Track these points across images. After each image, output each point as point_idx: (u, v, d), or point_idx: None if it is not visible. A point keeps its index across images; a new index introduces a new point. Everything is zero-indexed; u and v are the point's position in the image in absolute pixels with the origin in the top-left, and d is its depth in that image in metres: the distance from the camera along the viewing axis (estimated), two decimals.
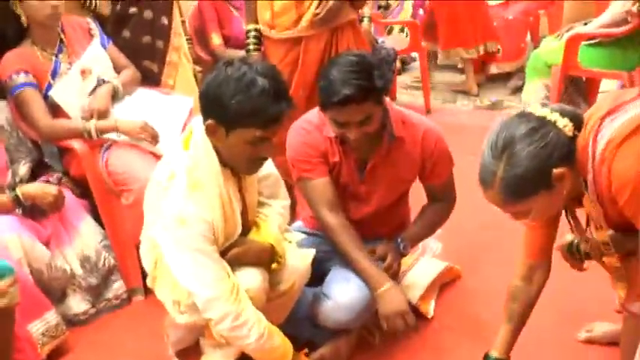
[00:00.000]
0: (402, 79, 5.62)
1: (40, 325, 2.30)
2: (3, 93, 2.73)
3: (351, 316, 2.20)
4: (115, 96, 2.85)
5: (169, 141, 2.72)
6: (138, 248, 2.21)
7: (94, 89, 2.81)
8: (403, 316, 2.12)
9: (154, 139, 2.76)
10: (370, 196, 2.31)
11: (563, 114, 1.57)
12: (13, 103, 2.70)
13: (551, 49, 4.02)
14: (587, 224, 1.76)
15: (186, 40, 3.39)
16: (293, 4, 2.84)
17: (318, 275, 2.28)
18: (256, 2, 2.95)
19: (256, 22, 2.97)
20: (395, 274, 2.27)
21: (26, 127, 2.71)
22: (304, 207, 2.46)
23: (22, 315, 2.17)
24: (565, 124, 1.56)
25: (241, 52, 3.29)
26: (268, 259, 2.07)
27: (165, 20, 3.16)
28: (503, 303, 1.94)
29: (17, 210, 2.44)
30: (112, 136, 2.74)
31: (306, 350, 2.18)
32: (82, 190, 2.75)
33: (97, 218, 2.71)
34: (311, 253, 2.22)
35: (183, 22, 3.42)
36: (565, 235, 1.96)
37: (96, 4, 3.08)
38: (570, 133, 1.56)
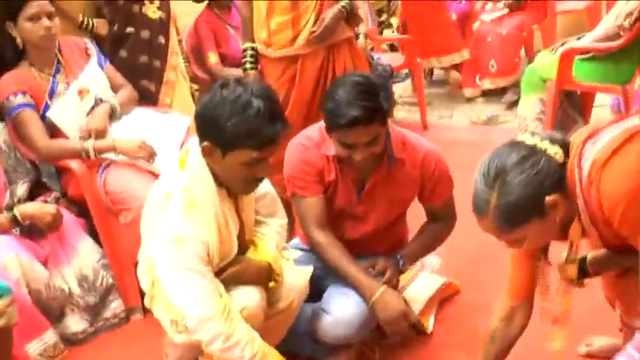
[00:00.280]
0: (396, 95, 5.64)
1: (39, 346, 2.30)
2: (0, 114, 2.74)
3: (350, 332, 2.19)
4: (112, 115, 2.86)
5: (167, 160, 2.72)
6: (136, 267, 2.21)
7: (92, 109, 2.82)
8: (404, 317, 2.11)
9: (152, 157, 2.76)
10: (367, 215, 2.31)
11: (552, 141, 1.59)
12: (11, 124, 2.71)
13: (545, 63, 4.04)
14: (569, 253, 1.75)
15: (183, 58, 3.40)
16: (289, 22, 2.87)
17: (316, 291, 2.28)
18: (253, 21, 2.98)
19: (253, 40, 2.99)
20: (393, 289, 2.27)
21: (24, 147, 2.72)
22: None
23: (20, 335, 2.17)
24: (555, 152, 1.58)
25: (238, 71, 3.31)
26: (266, 277, 2.07)
27: (162, 39, 3.19)
28: None
29: (14, 230, 2.44)
30: (110, 155, 2.75)
31: None
32: (80, 209, 2.75)
33: (95, 237, 2.71)
34: (309, 270, 2.23)
35: (180, 40, 3.44)
36: (562, 253, 1.96)
37: (93, 24, 3.10)
38: (561, 160, 1.58)
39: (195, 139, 1.94)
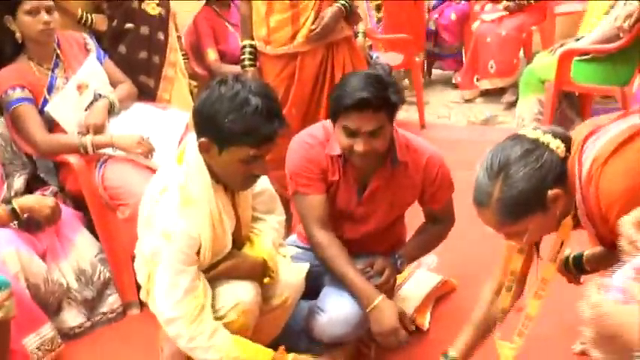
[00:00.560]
0: None
1: (36, 339, 2.30)
2: None
3: (345, 330, 2.19)
4: (111, 111, 2.86)
5: (165, 155, 2.73)
6: (134, 262, 2.22)
7: (91, 104, 2.82)
8: (395, 333, 2.11)
9: (150, 153, 2.76)
10: (367, 217, 2.30)
11: (555, 135, 1.60)
12: (10, 118, 2.71)
13: (544, 64, 4.05)
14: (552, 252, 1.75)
15: (182, 55, 3.41)
16: (289, 20, 2.88)
17: (313, 289, 2.28)
18: (251, 18, 2.98)
19: (252, 37, 3.00)
20: (390, 290, 2.28)
21: (22, 142, 2.72)
22: (300, 222, 2.46)
23: (17, 329, 2.16)
24: (557, 146, 1.58)
25: (237, 68, 3.31)
26: (260, 273, 2.08)
27: (161, 36, 3.18)
28: None
29: (13, 223, 2.44)
30: (108, 150, 2.75)
31: (283, 347, 2.09)
32: (78, 204, 2.75)
33: (93, 231, 2.71)
34: (305, 267, 2.23)
35: (179, 37, 3.44)
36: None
37: (92, 19, 3.10)
38: (562, 155, 1.58)
39: (193, 135, 1.95)
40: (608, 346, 1.24)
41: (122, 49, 3.11)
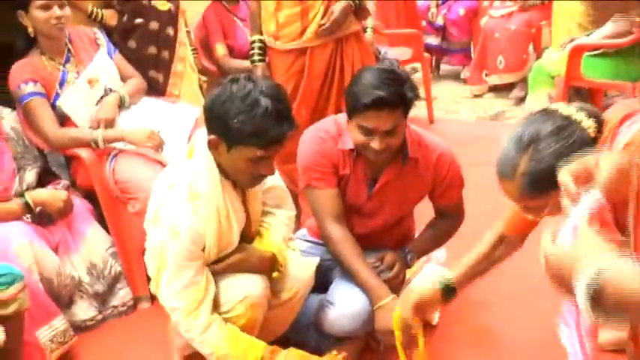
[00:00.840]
0: None
1: (49, 332, 2.31)
2: (10, 102, 2.76)
3: (355, 324, 2.20)
4: (121, 105, 2.88)
5: (175, 150, 2.74)
6: (144, 255, 2.23)
7: (101, 98, 2.84)
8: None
9: (160, 147, 2.78)
10: (376, 212, 2.30)
11: (588, 114, 1.58)
12: (22, 112, 2.73)
13: (554, 60, 4.04)
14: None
15: (192, 50, 3.42)
16: (298, 15, 2.88)
17: (323, 283, 2.29)
18: (260, 13, 2.99)
19: (260, 33, 3.00)
20: (400, 284, 2.28)
21: (34, 135, 2.74)
22: (309, 216, 2.46)
23: (30, 321, 2.18)
24: (589, 125, 1.55)
25: (245, 63, 3.32)
26: (269, 267, 2.09)
27: (170, 31, 3.19)
28: (507, 311, 1.94)
29: (26, 217, 2.46)
30: (119, 144, 2.76)
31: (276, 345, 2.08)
32: (89, 198, 2.77)
33: (104, 225, 2.73)
34: (315, 261, 2.23)
35: (188, 32, 3.45)
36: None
37: (102, 15, 3.12)
38: (593, 135, 1.56)
39: (203, 131, 1.96)
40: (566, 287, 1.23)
41: (132, 44, 3.12)
